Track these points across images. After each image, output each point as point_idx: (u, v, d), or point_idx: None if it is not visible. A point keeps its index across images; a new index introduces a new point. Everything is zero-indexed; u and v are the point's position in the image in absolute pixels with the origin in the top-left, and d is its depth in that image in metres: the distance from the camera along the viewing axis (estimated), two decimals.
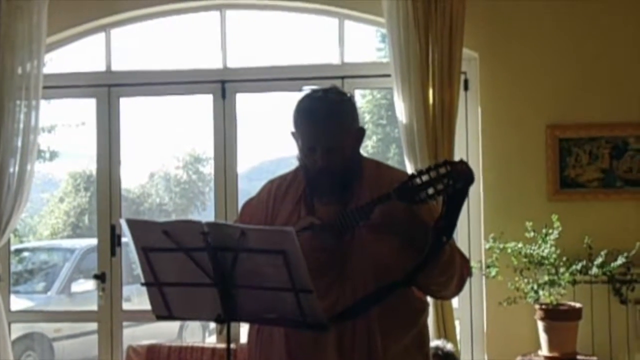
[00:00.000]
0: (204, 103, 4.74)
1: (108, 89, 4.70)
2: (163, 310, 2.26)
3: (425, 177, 2.08)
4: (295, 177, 2.45)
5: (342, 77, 4.46)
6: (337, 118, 2.31)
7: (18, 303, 6.29)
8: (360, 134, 2.40)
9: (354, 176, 2.35)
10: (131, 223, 2.20)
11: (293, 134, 2.37)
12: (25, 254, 8.78)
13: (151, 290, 2.25)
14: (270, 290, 2.10)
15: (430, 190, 2.07)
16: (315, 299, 2.04)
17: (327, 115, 2.30)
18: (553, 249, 4.00)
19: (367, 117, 11.72)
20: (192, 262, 2.13)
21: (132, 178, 11.56)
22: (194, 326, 7.98)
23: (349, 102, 2.38)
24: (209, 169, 11.58)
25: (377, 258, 2.25)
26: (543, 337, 4.00)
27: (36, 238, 11.15)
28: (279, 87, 4.71)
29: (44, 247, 9.56)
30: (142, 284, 2.26)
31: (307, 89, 2.39)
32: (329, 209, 2.32)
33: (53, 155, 9.75)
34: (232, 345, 4.36)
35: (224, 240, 2.08)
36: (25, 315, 5.35)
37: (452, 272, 2.28)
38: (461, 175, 2.06)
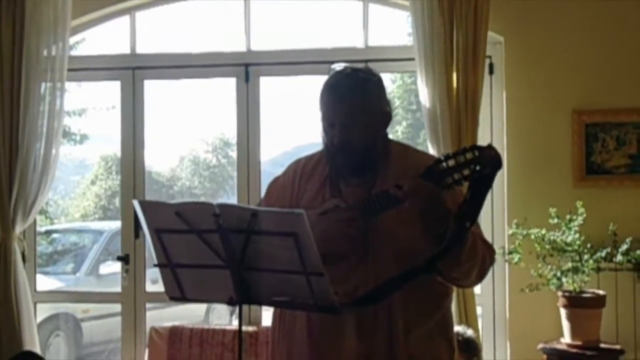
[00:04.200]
0: (228, 86, 4.74)
1: (132, 71, 4.72)
2: (176, 292, 2.27)
3: (451, 162, 2.03)
4: (322, 158, 2.43)
5: (366, 61, 4.40)
6: (360, 95, 2.28)
7: (47, 283, 6.38)
8: (386, 117, 2.36)
9: (376, 158, 2.33)
10: (143, 204, 2.21)
11: (320, 114, 2.35)
12: (55, 235, 8.89)
13: (164, 272, 2.26)
14: (281, 272, 2.10)
15: (457, 176, 2.02)
16: (326, 282, 2.03)
17: (349, 90, 2.27)
18: (577, 235, 3.94)
19: (397, 102, 11.65)
20: (204, 244, 2.13)
21: (162, 162, 11.63)
22: (220, 309, 8.02)
23: (377, 83, 2.34)
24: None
25: (400, 242, 2.23)
26: (566, 325, 3.96)
27: (68, 220, 11.27)
28: (302, 70, 4.68)
29: (73, 228, 9.66)
30: (155, 265, 2.27)
31: (337, 66, 2.37)
32: (355, 191, 2.30)
33: (83, 138, 9.82)
34: (254, 328, 4.40)
35: (236, 222, 2.07)
36: (51, 296, 5.40)
37: (474, 261, 2.24)
38: (489, 161, 2.00)
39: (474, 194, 2.05)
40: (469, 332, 3.82)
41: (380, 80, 2.36)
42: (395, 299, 2.22)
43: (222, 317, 8.13)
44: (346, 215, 2.22)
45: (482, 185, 2.04)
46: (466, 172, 2.02)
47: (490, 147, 2.03)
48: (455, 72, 4.17)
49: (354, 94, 2.27)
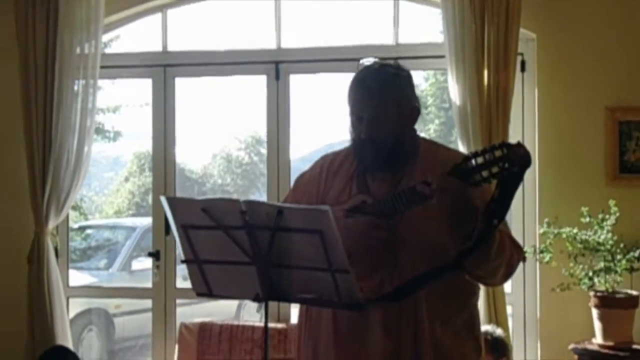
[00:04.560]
0: (258, 84, 4.75)
1: (164, 69, 4.75)
2: (203, 288, 2.28)
3: (480, 159, 2.00)
4: (349, 153, 2.42)
5: (396, 58, 4.37)
6: (388, 89, 2.27)
7: (81, 279, 6.46)
8: (414, 112, 2.35)
9: (404, 153, 2.32)
10: (171, 201, 2.22)
11: (348, 109, 2.35)
12: (89, 231, 8.99)
13: (191, 268, 2.27)
14: (307, 269, 2.10)
15: (485, 173, 1.99)
16: (352, 279, 2.02)
17: (378, 84, 2.27)
18: (610, 235, 3.89)
19: (429, 100, 11.60)
20: (230, 240, 2.14)
21: (195, 159, 11.70)
22: (252, 306, 8.04)
23: (406, 78, 2.34)
24: None
25: (426, 239, 2.22)
26: (597, 325, 3.91)
27: (102, 216, 11.39)
28: (332, 67, 4.68)
29: (107, 224, 9.77)
30: (182, 261, 2.29)
31: (366, 61, 2.37)
32: (382, 187, 2.30)
33: (117, 135, 9.91)
34: (283, 325, 4.41)
35: (262, 218, 2.08)
36: (83, 291, 5.47)
37: (501, 260, 2.21)
38: (518, 159, 1.97)
39: (503, 192, 2.02)
40: (498, 332, 3.79)
41: (409, 76, 2.35)
42: (421, 296, 2.21)
43: (253, 314, 8.13)
44: (375, 221, 2.21)
45: (510, 184, 2.01)
46: (495, 169, 1.99)
47: (519, 145, 2.00)
48: (486, 69, 4.14)
49: (383, 88, 2.27)
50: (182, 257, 2.27)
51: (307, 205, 2.22)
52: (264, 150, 12.49)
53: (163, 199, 2.22)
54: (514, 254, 2.27)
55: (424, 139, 2.44)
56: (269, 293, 2.18)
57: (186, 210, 2.20)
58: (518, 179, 2.01)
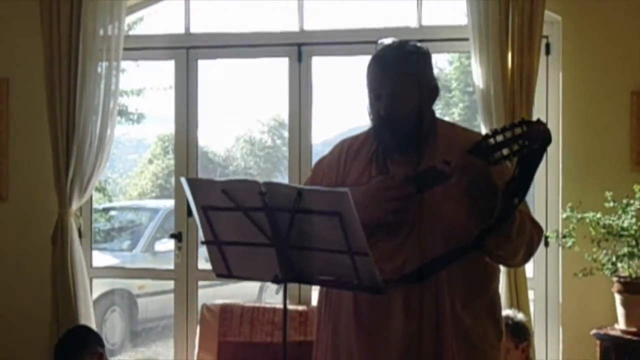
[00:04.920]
0: (281, 67, 4.74)
1: (186, 51, 4.75)
2: (223, 269, 2.29)
3: (500, 137, 1.99)
4: (368, 136, 2.43)
5: (419, 41, 4.32)
6: (406, 66, 2.27)
7: (105, 260, 6.52)
8: (433, 91, 2.34)
9: (423, 134, 2.31)
10: (191, 182, 2.23)
11: (367, 87, 2.34)
12: (113, 212, 9.07)
13: (211, 249, 2.28)
14: (326, 251, 2.09)
15: (505, 151, 1.99)
16: (371, 262, 2.02)
17: (396, 61, 2.27)
18: (634, 220, 3.85)
19: (454, 84, 11.53)
20: (250, 222, 2.14)
21: (218, 142, 11.74)
22: (273, 288, 8.07)
23: (424, 56, 2.34)
24: None
25: (447, 218, 2.21)
26: (620, 311, 3.88)
27: (126, 198, 11.48)
28: (355, 50, 4.64)
29: (130, 206, 9.85)
30: (202, 242, 2.30)
31: (385, 40, 2.37)
32: (401, 169, 2.29)
33: (140, 117, 9.96)
34: (304, 307, 4.42)
35: (281, 200, 2.08)
36: (105, 272, 5.51)
37: (522, 240, 2.20)
38: (538, 136, 1.96)
39: (523, 170, 2.01)
40: (520, 316, 3.78)
41: (428, 54, 2.35)
42: (442, 278, 2.21)
43: (275, 296, 8.16)
44: (388, 183, 2.21)
45: (531, 161, 2.00)
46: (515, 147, 1.98)
47: (539, 122, 1.98)
48: (510, 52, 4.09)
49: (401, 65, 2.26)
50: (202, 239, 2.29)
51: (327, 187, 2.22)
52: (286, 134, 12.56)
53: (183, 180, 2.23)
54: (534, 235, 2.27)
55: (441, 121, 2.43)
56: (288, 275, 2.18)
57: (206, 192, 2.20)
58: (539, 156, 1.99)
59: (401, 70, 2.26)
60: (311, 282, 2.29)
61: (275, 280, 2.21)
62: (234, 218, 2.17)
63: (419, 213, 2.23)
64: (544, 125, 1.97)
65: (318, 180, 2.44)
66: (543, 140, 1.96)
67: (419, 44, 2.36)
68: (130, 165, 12.33)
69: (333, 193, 2.04)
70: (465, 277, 2.25)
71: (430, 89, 2.33)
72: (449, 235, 2.18)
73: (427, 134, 2.32)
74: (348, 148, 2.45)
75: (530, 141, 1.96)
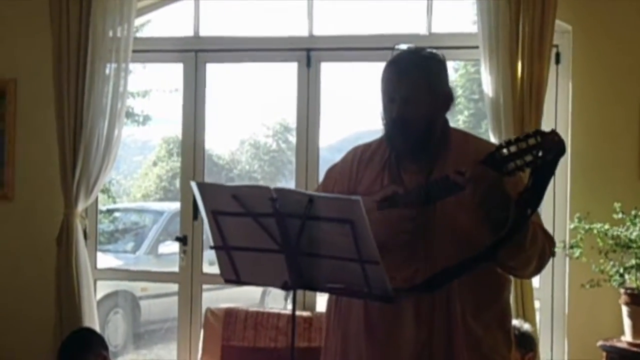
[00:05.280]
0: (289, 71, 4.73)
1: (195, 54, 4.74)
2: (231, 274, 2.28)
3: (513, 148, 1.98)
4: (381, 145, 2.42)
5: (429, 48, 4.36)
6: (421, 70, 2.27)
7: (108, 261, 6.50)
8: (447, 98, 2.33)
9: (435, 141, 2.30)
10: (201, 186, 2.22)
11: (381, 91, 2.34)
12: (117, 214, 9.05)
13: (220, 254, 2.26)
14: (336, 259, 2.08)
15: (519, 162, 1.97)
16: (382, 271, 2.00)
17: (411, 65, 2.27)
18: None
19: (459, 91, 11.51)
20: (260, 228, 2.13)
21: (223, 145, 11.72)
22: (276, 292, 8.06)
23: (439, 62, 2.33)
24: None
25: (460, 229, 2.20)
26: (627, 323, 3.86)
27: (129, 199, 11.46)
28: (364, 56, 4.64)
29: (134, 208, 9.83)
30: (211, 247, 2.28)
31: (401, 46, 2.36)
32: (414, 177, 2.28)
33: (146, 119, 9.96)
34: (308, 313, 4.40)
35: (292, 207, 2.06)
36: (110, 273, 5.49)
37: (534, 251, 2.19)
38: (552, 147, 1.95)
39: (537, 181, 2.00)
40: (526, 327, 3.76)
41: (443, 61, 2.34)
42: (453, 288, 2.20)
43: (277, 301, 8.16)
44: (406, 213, 2.19)
45: (544, 172, 1.99)
46: (529, 158, 1.97)
47: (553, 133, 1.97)
48: (520, 60, 4.08)
49: (416, 69, 2.27)
50: (211, 243, 2.27)
51: (339, 194, 2.21)
52: (291, 138, 12.56)
53: (193, 184, 2.21)
54: (546, 246, 2.26)
55: (454, 129, 2.42)
56: (298, 281, 2.17)
57: (216, 196, 2.19)
58: (552, 167, 1.99)
59: (416, 75, 2.26)
60: (321, 290, 2.27)
61: (284, 287, 2.19)
62: (244, 223, 2.15)
63: (431, 223, 2.22)
64: (559, 136, 1.96)
65: (330, 187, 2.43)
66: (557, 151, 1.95)
67: (435, 51, 2.35)
68: (134, 166, 12.31)
69: (345, 200, 2.02)
70: (477, 287, 2.23)
71: (444, 95, 2.32)
72: (461, 245, 2.16)
73: (439, 142, 2.31)
74: (361, 155, 2.44)
75: (545, 152, 1.95)
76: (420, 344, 2.21)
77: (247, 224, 2.14)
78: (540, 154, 1.95)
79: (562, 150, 1.96)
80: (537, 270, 2.31)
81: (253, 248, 2.19)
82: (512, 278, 2.40)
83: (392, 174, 2.34)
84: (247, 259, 2.23)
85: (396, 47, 2.35)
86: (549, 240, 2.29)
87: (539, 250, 2.21)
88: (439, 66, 2.33)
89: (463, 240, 2.17)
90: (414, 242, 2.22)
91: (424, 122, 2.27)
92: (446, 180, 2.10)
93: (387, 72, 2.32)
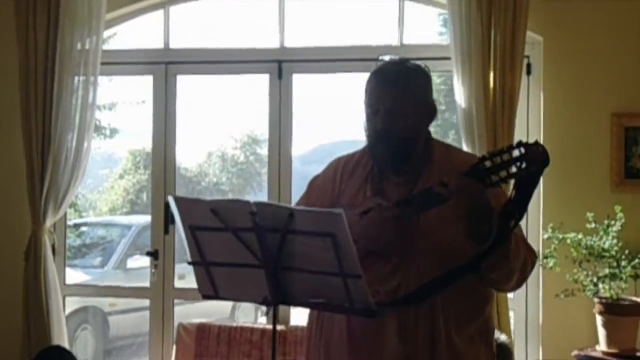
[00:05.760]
0: (260, 83, 4.70)
1: (165, 66, 4.69)
2: (209, 290, 2.23)
3: (497, 160, 1.97)
4: (364, 156, 2.39)
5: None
6: (406, 82, 2.25)
7: (75, 277, 6.39)
8: (431, 110, 2.32)
9: (419, 153, 2.28)
10: (179, 201, 2.17)
11: (364, 103, 2.32)
12: (84, 228, 8.93)
13: (198, 270, 2.22)
14: (318, 274, 2.05)
15: (503, 174, 1.96)
16: (364, 285, 1.98)
17: (396, 76, 2.26)
18: (615, 241, 3.86)
19: None
20: (239, 243, 2.09)
21: (190, 157, 11.63)
22: (246, 306, 8.01)
23: (424, 75, 2.32)
24: (266, 150, 11.60)
25: (444, 241, 2.18)
26: (602, 332, 3.88)
27: (96, 214, 11.33)
28: (336, 68, 4.64)
29: (102, 222, 9.70)
30: (189, 263, 2.23)
31: (385, 57, 2.35)
32: (397, 190, 2.26)
33: (114, 132, 9.87)
34: (282, 327, 4.36)
35: (273, 221, 2.03)
36: (80, 290, 5.40)
37: (516, 264, 2.18)
38: (537, 158, 1.94)
39: (521, 193, 1.98)
40: (502, 338, 3.75)
41: (428, 74, 2.34)
42: (437, 302, 2.18)
43: (248, 315, 8.11)
44: (388, 213, 2.16)
45: (529, 184, 1.98)
46: (513, 170, 1.96)
47: (537, 144, 1.96)
48: (492, 71, 4.10)
49: (400, 80, 2.25)
50: (187, 258, 2.23)
51: (320, 208, 2.18)
52: (260, 150, 12.52)
53: (171, 199, 2.17)
54: (528, 259, 2.25)
55: (437, 142, 2.41)
56: (278, 297, 2.13)
57: (194, 211, 2.15)
58: (537, 178, 1.98)
59: (400, 87, 2.24)
60: (302, 305, 2.23)
61: (264, 303, 2.15)
62: (223, 238, 2.11)
63: (415, 235, 2.19)
64: (543, 147, 1.95)
65: (312, 199, 2.40)
66: (542, 163, 1.94)
67: (419, 63, 2.34)
68: (100, 180, 12.16)
69: (327, 214, 1.99)
70: (460, 301, 2.21)
71: (428, 107, 2.31)
72: (445, 258, 2.14)
73: (423, 154, 2.30)
74: (344, 166, 2.41)
75: (529, 164, 1.94)
76: (404, 357, 2.18)
77: (226, 239, 2.10)
78: (524, 165, 1.94)
79: (546, 161, 1.95)
80: (519, 283, 2.30)
81: (232, 264, 2.15)
82: (494, 292, 2.38)
83: (375, 186, 2.32)
84: (226, 274, 2.19)
85: (380, 57, 2.34)
86: (531, 254, 2.29)
87: (521, 263, 2.20)
88: (424, 78, 2.31)
89: (446, 253, 2.15)
90: (397, 255, 2.20)
91: (408, 134, 2.25)
92: (430, 192, 2.08)
93: (371, 83, 2.30)
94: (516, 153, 1.95)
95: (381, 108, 2.25)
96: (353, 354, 2.23)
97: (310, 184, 2.50)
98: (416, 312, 2.17)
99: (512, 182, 1.99)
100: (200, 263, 2.20)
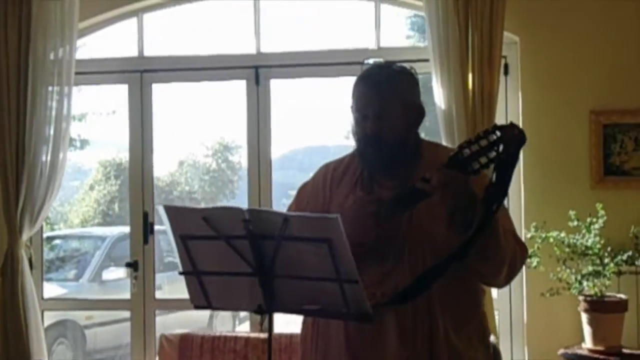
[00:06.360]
0: (237, 89, 4.66)
1: (140, 74, 4.63)
2: (202, 301, 2.20)
3: (475, 147, 1.96)
4: (353, 161, 2.38)
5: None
6: (393, 85, 2.24)
7: (50, 290, 6.28)
8: (418, 111, 2.30)
9: (408, 154, 2.27)
10: (169, 210, 2.13)
11: (351, 107, 2.30)
12: (57, 241, 8.80)
13: (189, 280, 2.18)
14: (313, 280, 2.02)
15: (483, 160, 1.96)
16: (361, 290, 1.96)
17: (383, 80, 2.24)
18: (597, 238, 3.88)
19: None
20: (232, 251, 2.06)
21: (162, 166, 11.53)
22: (224, 315, 7.94)
23: (411, 76, 2.31)
24: (238, 157, 11.53)
25: (436, 240, 2.16)
26: (587, 330, 3.89)
27: (67, 226, 11.19)
28: (313, 72, 4.62)
29: (75, 234, 9.58)
30: (180, 273, 2.19)
31: (371, 60, 2.34)
32: (389, 192, 2.24)
33: (84, 143, 9.75)
34: (266, 335, 4.31)
35: (266, 227, 2.00)
36: (58, 303, 5.32)
37: (504, 255, 2.16)
38: (514, 139, 1.94)
39: (501, 175, 1.98)
40: (491, 339, 3.74)
41: (414, 75, 2.32)
42: (435, 303, 2.17)
43: (225, 323, 8.04)
44: (368, 208, 2.18)
45: (508, 165, 1.97)
46: (492, 154, 1.96)
47: (512, 125, 1.97)
48: (470, 72, 4.10)
49: (388, 84, 2.23)
50: (180, 269, 2.18)
51: (314, 213, 2.15)
52: (231, 157, 12.46)
53: (161, 208, 2.13)
54: (517, 251, 2.24)
55: (426, 142, 2.40)
56: (272, 304, 2.10)
57: (186, 220, 2.11)
58: (515, 159, 1.98)
59: (388, 90, 2.23)
60: (297, 312, 2.20)
61: (259, 311, 2.12)
62: (215, 247, 2.08)
63: (407, 236, 2.18)
64: (518, 127, 1.96)
65: (303, 205, 2.37)
66: (518, 143, 1.94)
67: (407, 67, 2.33)
68: (71, 192, 12.03)
69: (322, 219, 1.97)
70: (457, 301, 2.21)
71: (416, 109, 2.29)
72: (440, 255, 2.12)
73: (412, 156, 2.28)
74: (333, 172, 2.39)
75: (506, 146, 1.94)
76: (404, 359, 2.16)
77: (218, 247, 2.07)
78: (502, 148, 1.93)
79: (522, 140, 1.95)
80: (509, 277, 2.28)
81: (225, 272, 2.12)
82: (485, 289, 2.37)
83: (365, 189, 2.29)
84: (219, 283, 2.16)
85: (366, 61, 2.32)
86: (521, 247, 2.28)
87: (510, 255, 2.18)
88: (410, 80, 2.30)
89: (440, 251, 2.13)
90: (391, 256, 2.19)
91: (398, 138, 2.23)
92: (412, 189, 2.06)
93: (358, 87, 2.27)
94: (492, 137, 1.95)
95: (370, 112, 2.23)
96: (352, 358, 2.20)
97: (299, 191, 2.48)
98: (415, 314, 2.16)
99: (493, 166, 1.98)
100: (192, 272, 2.16)
